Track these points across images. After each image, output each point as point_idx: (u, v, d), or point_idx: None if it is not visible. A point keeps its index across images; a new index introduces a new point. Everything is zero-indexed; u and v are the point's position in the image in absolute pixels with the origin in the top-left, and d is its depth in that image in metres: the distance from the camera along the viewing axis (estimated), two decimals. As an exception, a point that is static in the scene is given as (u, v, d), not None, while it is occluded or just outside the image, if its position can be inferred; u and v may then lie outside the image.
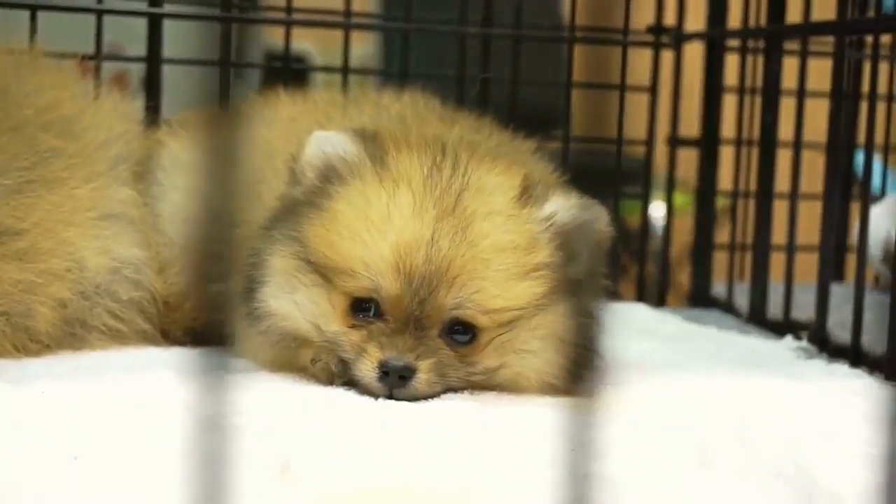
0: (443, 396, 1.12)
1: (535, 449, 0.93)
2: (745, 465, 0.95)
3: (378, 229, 1.09)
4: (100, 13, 1.61)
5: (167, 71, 1.67)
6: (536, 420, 1.03)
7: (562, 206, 1.13)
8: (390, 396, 1.09)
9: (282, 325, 1.15)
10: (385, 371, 1.08)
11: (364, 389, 1.10)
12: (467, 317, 1.09)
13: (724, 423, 1.07)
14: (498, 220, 1.10)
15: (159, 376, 1.13)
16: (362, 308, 1.11)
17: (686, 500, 0.88)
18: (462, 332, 1.10)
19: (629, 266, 2.31)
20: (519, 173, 1.16)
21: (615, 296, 1.97)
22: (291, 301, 1.13)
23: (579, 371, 1.15)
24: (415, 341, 1.08)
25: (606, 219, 1.15)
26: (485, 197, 1.11)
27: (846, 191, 2.03)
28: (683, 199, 2.13)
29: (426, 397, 1.10)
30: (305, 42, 2.96)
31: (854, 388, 1.21)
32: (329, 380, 1.14)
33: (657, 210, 2.15)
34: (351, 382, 1.12)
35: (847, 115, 1.50)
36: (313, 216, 1.13)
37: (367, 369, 1.09)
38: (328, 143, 1.15)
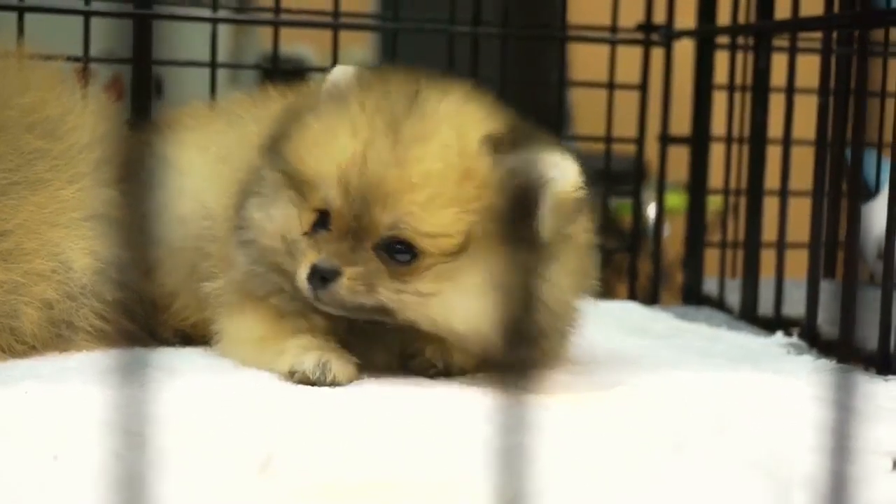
0: (423, 387, 1.14)
1: (515, 444, 0.92)
2: (723, 456, 0.95)
3: (328, 144, 1.15)
4: (87, 15, 1.62)
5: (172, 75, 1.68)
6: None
7: (523, 156, 1.12)
8: (316, 299, 1.13)
9: (258, 241, 1.21)
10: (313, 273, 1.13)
11: (300, 294, 1.15)
12: (405, 236, 1.12)
13: (704, 416, 1.08)
14: (433, 148, 1.12)
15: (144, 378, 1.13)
16: (322, 223, 1.16)
17: (662, 488, 0.88)
18: (403, 252, 1.13)
19: (622, 264, 2.31)
20: (494, 120, 1.16)
21: (606, 293, 1.98)
22: (268, 214, 1.20)
23: (521, 338, 1.14)
24: (348, 251, 1.13)
25: (574, 178, 1.13)
26: (430, 125, 1.14)
27: (838, 187, 2.02)
28: (681, 201, 2.13)
29: (350, 304, 1.13)
30: (305, 46, 2.96)
31: (838, 382, 1.20)
32: (309, 385, 1.16)
33: (654, 212, 2.15)
34: (333, 384, 1.15)
35: (840, 112, 1.49)
36: (295, 131, 1.19)
37: (302, 271, 1.14)
38: (339, 72, 1.21)
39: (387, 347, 1.23)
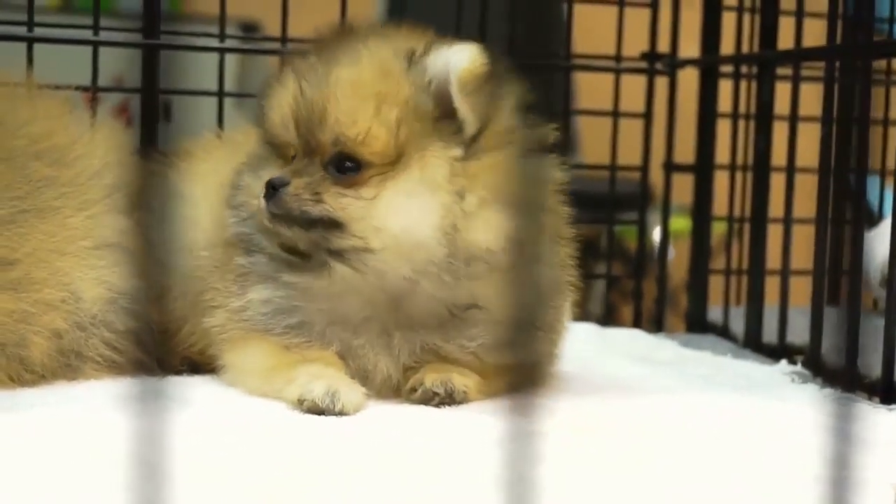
0: (428, 414, 1.15)
1: (521, 474, 0.93)
2: (725, 485, 0.95)
3: (281, 96, 1.27)
4: (96, 45, 1.63)
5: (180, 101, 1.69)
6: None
7: (437, 55, 1.21)
8: (271, 216, 1.22)
9: (248, 202, 1.28)
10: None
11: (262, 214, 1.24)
12: (346, 149, 1.21)
13: (707, 444, 1.08)
14: (351, 64, 1.23)
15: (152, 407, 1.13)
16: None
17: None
18: (350, 168, 1.22)
19: (627, 288, 2.32)
20: (410, 38, 1.26)
21: (611, 317, 1.98)
22: (256, 175, 1.29)
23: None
24: (302, 169, 1.23)
25: (474, 56, 1.19)
26: (350, 50, 1.24)
27: (841, 214, 2.02)
28: (686, 223, 2.14)
29: (296, 212, 1.21)
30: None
31: (842, 412, 1.21)
32: (318, 413, 1.16)
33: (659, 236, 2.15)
34: (341, 413, 1.15)
35: (842, 140, 1.50)
36: (264, 102, 1.30)
37: (262, 192, 1.24)
38: None
39: (392, 358, 1.24)
